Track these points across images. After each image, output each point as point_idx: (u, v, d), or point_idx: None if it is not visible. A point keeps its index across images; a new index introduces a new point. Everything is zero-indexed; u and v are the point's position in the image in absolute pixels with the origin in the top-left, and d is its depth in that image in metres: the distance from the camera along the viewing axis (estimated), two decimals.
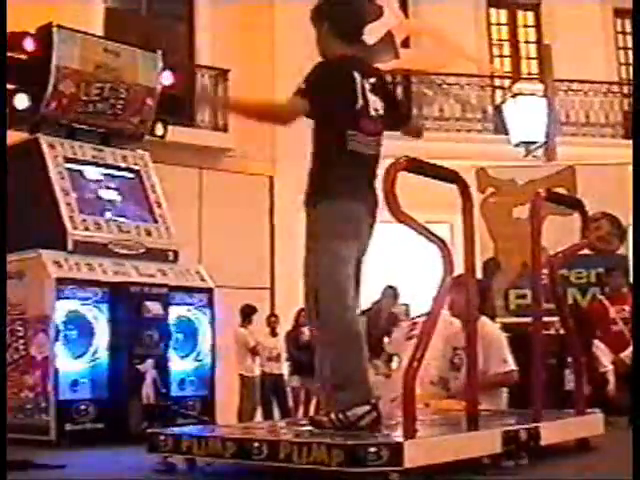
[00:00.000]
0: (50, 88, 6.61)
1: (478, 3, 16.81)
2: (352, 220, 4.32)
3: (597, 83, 16.20)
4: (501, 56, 17.14)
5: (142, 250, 6.66)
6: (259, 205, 14.57)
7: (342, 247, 4.27)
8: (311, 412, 11.13)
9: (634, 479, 3.39)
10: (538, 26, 17.18)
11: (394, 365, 8.14)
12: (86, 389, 6.08)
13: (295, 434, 4.23)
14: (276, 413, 12.59)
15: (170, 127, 7.62)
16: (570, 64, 15.02)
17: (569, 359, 6.32)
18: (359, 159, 4.36)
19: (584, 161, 10.47)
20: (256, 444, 3.83)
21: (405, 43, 15.56)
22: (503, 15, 17.26)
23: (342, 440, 3.71)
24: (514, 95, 13.59)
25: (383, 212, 3.81)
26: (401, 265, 13.92)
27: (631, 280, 8.55)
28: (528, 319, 5.17)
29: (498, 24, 17.19)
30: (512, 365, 5.95)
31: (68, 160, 6.64)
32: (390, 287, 11.42)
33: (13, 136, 6.71)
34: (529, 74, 16.76)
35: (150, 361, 6.22)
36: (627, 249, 9.32)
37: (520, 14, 17.36)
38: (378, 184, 4.04)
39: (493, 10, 17.13)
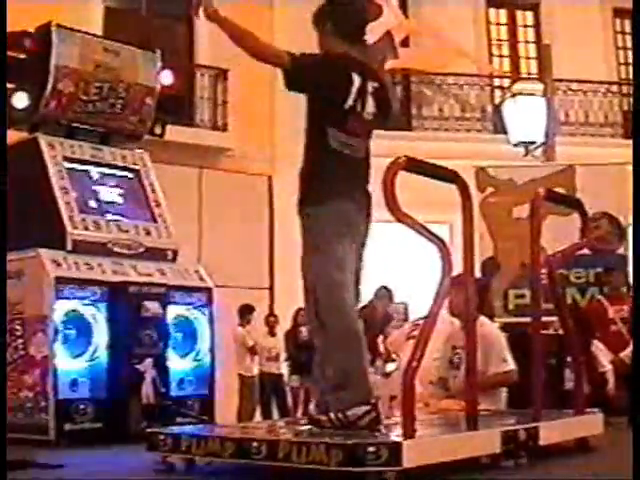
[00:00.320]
0: (49, 87, 6.60)
1: (477, 3, 16.80)
2: (344, 220, 4.32)
3: (596, 83, 16.20)
4: (500, 56, 17.14)
5: (141, 249, 6.66)
6: (258, 205, 14.57)
7: (337, 248, 4.27)
8: (311, 412, 11.12)
9: (634, 479, 3.39)
10: (537, 26, 17.18)
11: (392, 365, 8.13)
12: (85, 388, 6.08)
13: (294, 434, 4.24)
14: (275, 413, 12.59)
15: (169, 127, 7.62)
16: (569, 64, 15.02)
17: (568, 359, 6.33)
18: (345, 158, 4.37)
19: (583, 161, 10.46)
20: (255, 444, 3.83)
21: (404, 43, 15.55)
22: (502, 15, 17.26)
23: (341, 440, 3.71)
24: (513, 95, 13.58)
25: (382, 211, 3.81)
26: (400, 265, 13.92)
27: (630, 280, 8.55)
28: (527, 319, 5.17)
29: (497, 24, 17.18)
30: (511, 365, 5.94)
31: (67, 159, 6.64)
32: (384, 287, 11.41)
33: (12, 136, 6.71)
34: (528, 74, 16.75)
35: (149, 360, 6.22)
36: (626, 249, 9.31)
37: (519, 14, 17.35)
38: (377, 184, 4.04)
39: (492, 10, 17.13)
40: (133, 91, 7.08)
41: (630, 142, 7.01)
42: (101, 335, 6.19)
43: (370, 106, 4.45)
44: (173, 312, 6.53)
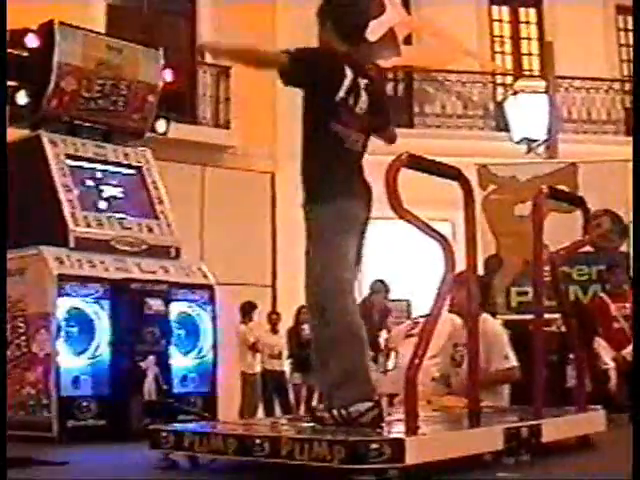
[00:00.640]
0: (52, 85, 6.62)
1: (480, 0, 16.78)
2: (349, 218, 4.33)
3: (599, 80, 16.18)
4: (503, 53, 17.11)
5: (144, 247, 6.67)
6: (261, 202, 14.55)
7: (342, 245, 4.28)
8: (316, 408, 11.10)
9: (635, 476, 3.39)
10: (540, 23, 17.15)
11: (391, 362, 8.12)
12: (87, 386, 6.09)
13: (297, 431, 4.24)
14: (278, 410, 12.59)
15: (172, 124, 7.62)
16: (572, 61, 15.00)
17: (570, 356, 6.33)
18: (345, 151, 4.38)
19: (586, 158, 10.45)
20: (258, 441, 3.83)
21: (407, 40, 15.55)
22: (505, 12, 17.24)
23: (344, 437, 3.71)
24: (516, 92, 13.57)
25: (385, 209, 3.81)
26: (403, 262, 13.91)
27: (632, 277, 8.55)
28: (529, 316, 5.17)
29: (500, 21, 17.16)
30: (513, 362, 5.94)
31: (70, 157, 6.65)
32: (379, 281, 11.40)
33: (15, 133, 6.72)
34: (531, 71, 16.73)
35: (151, 358, 6.22)
36: (628, 246, 9.31)
37: (522, 11, 17.33)
38: (379, 181, 4.04)
39: (495, 7, 17.11)
40: (135, 88, 7.08)
41: (632, 139, 7.00)
42: (103, 332, 6.19)
43: (363, 101, 4.48)
44: (176, 309, 6.53)
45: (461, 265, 4.20)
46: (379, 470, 3.49)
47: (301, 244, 4.40)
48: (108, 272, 6.30)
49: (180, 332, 6.60)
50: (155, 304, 6.28)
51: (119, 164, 6.98)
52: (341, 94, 4.38)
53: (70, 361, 6.03)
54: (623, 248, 9.46)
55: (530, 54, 17.15)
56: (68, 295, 6.05)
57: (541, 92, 13.19)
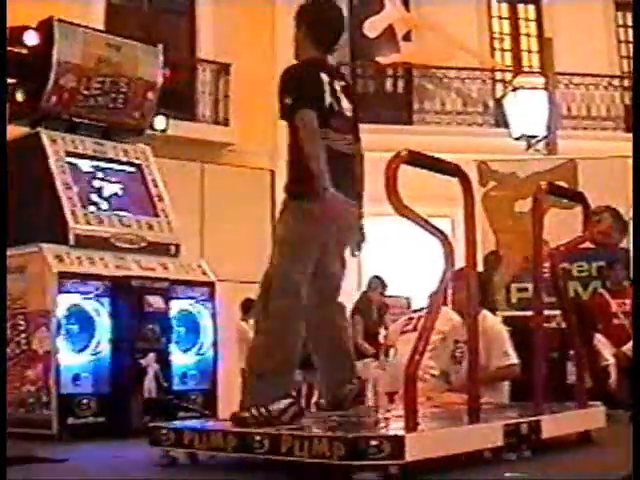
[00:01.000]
0: (51, 82, 6.61)
1: None
2: (314, 220, 4.36)
3: (598, 76, 16.18)
4: (502, 49, 17.11)
5: (144, 244, 6.67)
6: (260, 199, 14.53)
7: (300, 248, 4.35)
8: (312, 408, 11.12)
9: (634, 472, 3.40)
10: (539, 19, 17.15)
11: (390, 359, 8.13)
12: (88, 383, 6.09)
13: (297, 427, 4.24)
14: None
15: (171, 121, 7.62)
16: (571, 57, 15.00)
17: (570, 352, 6.33)
18: (336, 154, 4.42)
19: (585, 154, 10.45)
20: (257, 438, 3.83)
21: (406, 37, 15.55)
22: (504, 8, 17.23)
23: (343, 433, 3.72)
24: (515, 89, 13.56)
25: (384, 205, 3.81)
26: (402, 259, 13.91)
27: (632, 273, 8.55)
28: (530, 312, 5.17)
29: (499, 17, 17.15)
30: (514, 358, 5.95)
31: (69, 154, 6.64)
32: (376, 277, 11.40)
33: (14, 131, 6.72)
34: (530, 67, 16.73)
35: (152, 355, 6.23)
36: (628, 242, 9.31)
37: (521, 7, 17.33)
38: (378, 178, 4.04)
39: (494, 3, 17.10)
40: (135, 86, 7.08)
41: (632, 135, 7.00)
42: (104, 330, 6.19)
43: (345, 102, 4.56)
44: (176, 306, 6.53)
45: (460, 262, 4.20)
46: (379, 467, 3.49)
47: None
48: (108, 269, 6.30)
49: (180, 329, 6.60)
50: (155, 301, 6.29)
51: (119, 161, 6.98)
52: (328, 99, 4.44)
53: (70, 359, 6.03)
54: (623, 244, 9.46)
55: (529, 51, 17.15)
56: (68, 292, 6.05)
57: (540, 88, 13.18)
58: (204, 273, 6.84)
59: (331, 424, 4.24)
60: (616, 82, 16.44)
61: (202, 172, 14.13)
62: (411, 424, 3.67)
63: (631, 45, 16.48)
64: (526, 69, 16.58)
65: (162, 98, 7.27)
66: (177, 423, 4.71)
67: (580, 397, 4.93)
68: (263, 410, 4.15)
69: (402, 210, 3.79)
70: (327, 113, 4.45)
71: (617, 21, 17.14)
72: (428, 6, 15.73)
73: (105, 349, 6.19)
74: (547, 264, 4.99)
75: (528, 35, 17.24)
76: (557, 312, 5.67)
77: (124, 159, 7.01)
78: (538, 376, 4.64)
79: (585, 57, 15.67)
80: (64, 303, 6.01)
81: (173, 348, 6.46)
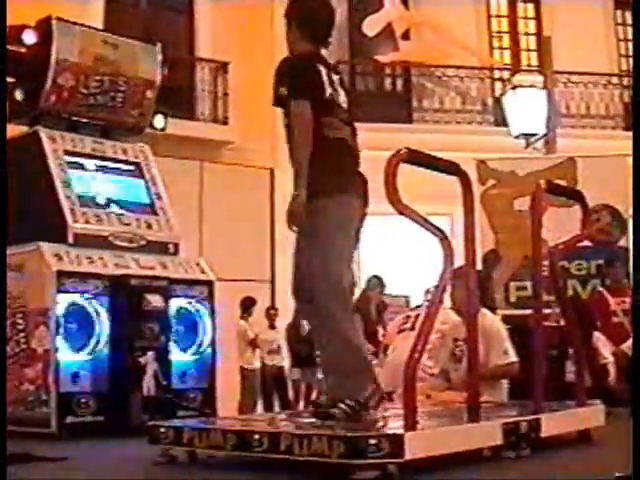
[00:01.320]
0: (50, 81, 6.60)
1: None
2: (349, 213, 4.36)
3: (597, 75, 16.17)
4: (501, 48, 17.11)
5: (142, 243, 6.66)
6: (259, 197, 14.54)
7: (339, 240, 4.31)
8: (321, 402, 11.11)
9: (634, 470, 3.40)
10: (538, 18, 17.15)
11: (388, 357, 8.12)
12: (87, 382, 6.09)
13: (296, 426, 4.24)
14: (277, 405, 12.60)
15: (170, 120, 7.62)
16: (570, 56, 15.00)
17: (570, 351, 6.33)
18: (340, 146, 4.41)
19: (584, 153, 10.46)
20: (257, 436, 3.84)
21: (405, 35, 15.55)
22: (503, 7, 17.23)
23: (343, 432, 3.71)
24: (514, 87, 13.58)
25: (383, 204, 3.81)
26: (401, 257, 13.91)
27: (631, 272, 8.55)
28: (529, 311, 5.17)
29: (498, 16, 17.16)
30: (513, 357, 5.95)
31: (68, 153, 6.64)
32: (375, 277, 11.41)
33: (13, 129, 6.71)
34: (529, 66, 16.73)
35: (151, 354, 6.23)
36: (627, 241, 9.32)
37: (520, 6, 17.33)
38: (378, 177, 4.04)
39: (493, 2, 17.10)
40: (133, 84, 7.07)
41: (631, 134, 7.00)
42: (103, 328, 6.19)
43: (342, 95, 4.58)
44: (175, 305, 6.53)
45: (460, 260, 4.20)
46: (378, 465, 3.49)
47: None
48: (107, 268, 6.30)
49: (179, 328, 6.60)
50: (154, 300, 6.28)
51: (118, 160, 6.97)
52: (329, 91, 4.44)
53: (69, 357, 6.03)
54: (622, 243, 9.47)
55: (528, 49, 17.16)
56: (67, 291, 6.04)
57: (539, 87, 13.19)
58: (203, 272, 6.83)
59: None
60: (615, 80, 16.45)
61: (201, 170, 14.13)
62: (410, 423, 3.67)
63: (630, 43, 16.47)
64: (525, 67, 16.59)
65: (161, 96, 7.26)
66: (176, 421, 4.71)
67: (579, 395, 4.93)
68: (352, 403, 4.20)
69: (401, 209, 3.79)
70: (330, 102, 4.44)
71: (616, 19, 17.15)
72: (427, 5, 15.75)
73: (104, 348, 6.18)
74: (546, 262, 4.99)
75: (527, 33, 17.25)
76: (556, 310, 5.67)
77: (123, 158, 7.01)
78: (537, 374, 4.64)
79: (584, 55, 15.67)
80: (63, 302, 6.01)
81: (172, 347, 6.46)
